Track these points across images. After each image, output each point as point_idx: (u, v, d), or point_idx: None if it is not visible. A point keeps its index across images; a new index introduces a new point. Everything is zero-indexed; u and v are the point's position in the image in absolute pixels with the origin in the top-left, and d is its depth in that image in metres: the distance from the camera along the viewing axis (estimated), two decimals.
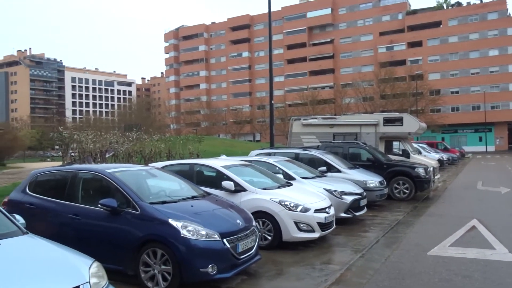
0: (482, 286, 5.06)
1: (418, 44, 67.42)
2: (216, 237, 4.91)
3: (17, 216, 4.02)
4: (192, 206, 5.47)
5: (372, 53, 71.28)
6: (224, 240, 4.95)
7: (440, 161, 25.14)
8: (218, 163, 8.08)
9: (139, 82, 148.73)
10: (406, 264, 6.00)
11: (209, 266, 4.76)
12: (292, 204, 6.91)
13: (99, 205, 5.15)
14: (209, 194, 6.28)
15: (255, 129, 77.83)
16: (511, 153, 50.25)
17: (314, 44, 77.78)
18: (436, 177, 15.20)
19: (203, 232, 4.87)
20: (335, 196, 8.70)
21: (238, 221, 5.41)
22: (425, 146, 28.09)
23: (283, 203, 6.89)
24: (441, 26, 66.63)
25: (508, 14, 64.12)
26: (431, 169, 13.60)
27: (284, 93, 75.12)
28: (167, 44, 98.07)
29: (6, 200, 6.25)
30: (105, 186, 5.56)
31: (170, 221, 4.88)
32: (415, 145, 25.32)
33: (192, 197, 5.87)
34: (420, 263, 6.02)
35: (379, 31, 71.18)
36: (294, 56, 78.85)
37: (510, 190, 14.30)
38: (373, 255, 6.55)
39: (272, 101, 16.84)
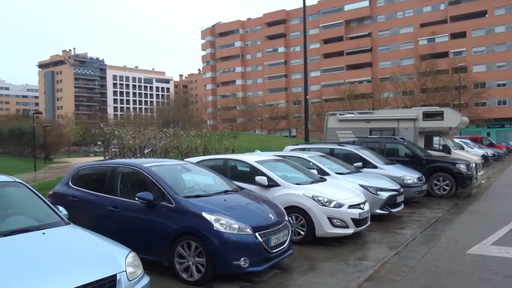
0: None
1: (462, 35, 64.53)
2: (248, 230, 4.98)
3: (60, 208, 4.25)
4: (225, 200, 5.56)
5: (412, 45, 68.97)
6: (256, 234, 5.01)
7: (484, 157, 24.10)
8: (252, 158, 8.14)
9: (177, 79, 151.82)
10: (443, 263, 5.83)
11: (242, 259, 4.83)
12: (325, 200, 6.87)
13: (136, 198, 5.34)
14: (242, 188, 6.36)
15: (291, 124, 77.45)
16: None
17: (351, 38, 76.26)
18: (479, 173, 14.60)
19: (236, 226, 4.94)
20: (370, 192, 8.56)
21: (271, 215, 5.45)
22: (468, 141, 27.05)
23: (316, 198, 6.87)
24: (486, 15, 63.43)
25: None
26: (474, 165, 13.08)
27: (320, 88, 74.24)
28: (203, 41, 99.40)
29: (51, 192, 6.61)
30: (142, 180, 5.76)
31: (204, 214, 4.99)
32: (457, 140, 24.42)
33: (225, 192, 5.96)
34: (458, 262, 5.83)
35: (419, 22, 68.72)
36: (331, 50, 77.68)
37: None
38: (409, 253, 6.41)
39: (307, 96, 16.72)
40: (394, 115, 16.26)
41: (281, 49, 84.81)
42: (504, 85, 60.72)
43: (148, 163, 6.02)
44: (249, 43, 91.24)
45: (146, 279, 3.55)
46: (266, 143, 31.38)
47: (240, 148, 17.82)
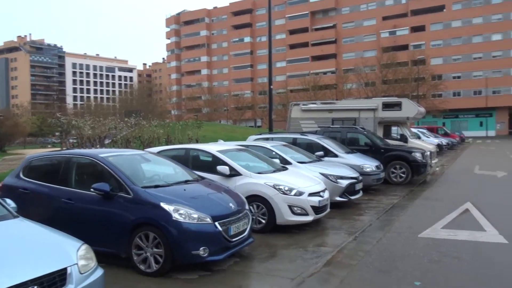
0: (470, 266, 5.14)
1: (421, 28, 66.62)
2: (208, 220, 4.98)
3: (8, 200, 4.08)
4: (184, 190, 5.53)
5: (375, 38, 70.53)
6: (216, 223, 5.02)
7: (439, 145, 25.17)
8: (214, 148, 8.12)
9: (140, 68, 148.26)
10: (397, 246, 6.08)
11: (201, 248, 4.83)
12: (286, 188, 6.96)
13: (91, 190, 5.21)
14: (203, 178, 6.34)
15: (257, 115, 77.65)
16: (510, 138, 50.15)
17: (316, 29, 77.00)
18: (433, 161, 15.25)
19: (195, 215, 4.93)
20: (331, 180, 8.75)
21: (231, 204, 5.47)
22: (425, 131, 28.05)
23: (277, 187, 6.95)
24: (444, 10, 65.71)
25: None
26: (428, 153, 13.64)
27: (286, 79, 74.73)
28: (168, 29, 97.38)
29: (0, 185, 6.32)
30: (98, 171, 5.61)
31: (162, 204, 4.94)
32: (415, 130, 25.32)
33: (186, 181, 5.92)
34: (411, 245, 6.10)
35: (382, 15, 70.30)
36: (296, 41, 78.16)
37: (507, 174, 14.34)
38: (366, 238, 6.62)
39: (272, 86, 16.79)
40: (355, 105, 16.64)
41: (247, 39, 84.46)
42: (459, 77, 63.39)
43: (105, 153, 5.87)
44: (215, 32, 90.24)
45: (99, 272, 3.48)
46: (231, 133, 31.33)
47: (205, 138, 17.70)
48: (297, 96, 60.87)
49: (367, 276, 4.88)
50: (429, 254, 5.62)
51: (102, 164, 5.53)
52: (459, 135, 39.72)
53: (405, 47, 65.67)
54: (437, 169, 16.92)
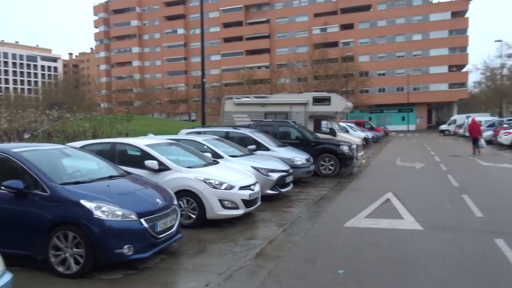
0: (388, 252, 5.46)
1: (350, 26, 69.70)
2: (133, 217, 4.79)
3: None
4: (108, 186, 5.27)
5: (307, 34, 72.56)
6: (142, 220, 4.84)
7: (365, 139, 26.60)
8: (142, 142, 7.84)
9: (66, 57, 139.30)
10: (324, 237, 6.30)
11: (125, 247, 4.64)
12: (216, 182, 6.91)
13: (2, 187, 4.77)
14: (129, 173, 6.09)
15: (191, 108, 76.54)
16: (430, 132, 54.41)
17: (250, 23, 77.45)
18: (359, 154, 16.05)
19: (119, 213, 4.72)
20: (262, 173, 8.85)
21: (158, 200, 5.31)
22: (352, 125, 29.46)
23: (207, 181, 6.88)
24: (371, 9, 69.30)
25: (430, 1, 68.19)
26: (355, 146, 14.32)
27: (220, 72, 74.45)
28: (96, 17, 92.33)
29: None
30: (11, 167, 5.14)
31: (82, 202, 4.66)
32: (343, 124, 26.47)
33: (110, 177, 5.65)
34: (336, 235, 6.36)
35: (313, 12, 72.48)
36: (231, 35, 78.04)
37: (424, 165, 15.53)
38: (294, 229, 6.79)
39: (204, 80, 16.60)
40: (287, 99, 16.98)
41: (180, 31, 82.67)
42: (384, 74, 67.41)
43: (19, 148, 5.40)
44: (147, 22, 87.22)
45: (8, 276, 3.19)
46: (163, 127, 30.57)
47: (135, 132, 17.10)
48: (232, 90, 60.91)
49: (294, 267, 5.00)
50: (352, 243, 5.90)
51: (15, 160, 5.08)
52: (383, 129, 42.27)
53: (335, 44, 68.33)
54: (363, 161, 17.85)
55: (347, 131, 23.61)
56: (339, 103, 16.08)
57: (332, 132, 15.98)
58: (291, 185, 9.82)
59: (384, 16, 67.64)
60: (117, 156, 7.60)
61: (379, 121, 60.81)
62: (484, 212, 7.54)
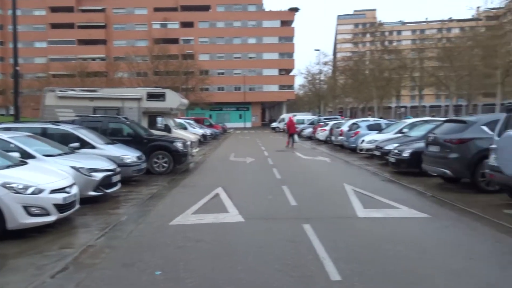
0: (209, 246, 5.52)
1: (190, 25, 70.35)
2: None
3: None
4: None
5: (147, 28, 70.39)
6: None
7: (204, 136, 27.18)
8: None
9: None
10: (147, 237, 6.04)
11: None
12: (20, 186, 5.96)
13: None
14: None
15: (9, 101, 66.07)
16: (263, 129, 59.01)
17: (83, 11, 71.12)
18: (194, 150, 16.22)
19: None
20: (83, 173, 8.06)
21: None
22: (192, 122, 29.82)
23: (8, 185, 5.87)
24: (210, 10, 71.25)
25: (263, 8, 73.85)
26: (189, 143, 14.38)
27: (48, 61, 66.38)
28: None
29: None
30: None
31: None
32: (182, 121, 26.50)
33: None
34: (160, 234, 6.16)
35: (153, 6, 70.73)
36: (60, 21, 70.20)
37: (254, 160, 16.62)
38: (116, 232, 6.34)
39: (18, 68, 14.39)
40: (118, 94, 16.02)
41: None
42: (223, 73, 70.24)
43: None
44: None
45: None
46: None
47: None
48: (61, 82, 54.82)
49: (108, 274, 4.61)
50: (175, 241, 5.79)
51: None
52: (222, 126, 43.98)
53: (175, 41, 67.99)
54: (200, 157, 18.12)
55: (185, 128, 23.68)
56: (174, 99, 15.92)
57: (167, 128, 15.74)
58: (119, 185, 9.22)
59: (223, 18, 70.42)
60: None
61: (218, 118, 63.06)
62: (298, 201, 8.37)
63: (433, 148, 10.21)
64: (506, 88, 34.81)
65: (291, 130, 24.26)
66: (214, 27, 70.31)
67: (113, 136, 12.56)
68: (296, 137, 24.20)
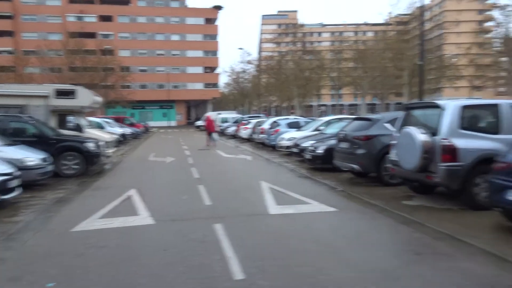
0: (113, 252, 5.24)
1: (109, 18, 67.04)
2: None
3: None
4: None
5: (61, 20, 65.64)
6: None
7: (123, 135, 26.06)
8: None
9: None
10: (44, 247, 5.57)
11: None
12: None
13: None
14: None
15: None
16: (188, 127, 58.15)
17: None
18: (110, 151, 15.45)
19: None
20: None
21: None
22: (110, 121, 28.41)
23: None
24: (130, 4, 68.48)
25: (186, 5, 72.71)
26: (103, 143, 13.65)
27: None
28: None
29: None
30: None
31: None
32: (99, 119, 25.17)
33: None
34: (60, 242, 5.73)
35: None
36: None
37: (174, 159, 16.27)
38: (9, 243, 5.77)
39: None
40: (22, 91, 14.70)
41: None
42: (145, 70, 67.96)
43: None
44: None
45: None
46: None
47: None
48: None
49: None
50: (75, 248, 5.41)
51: None
52: (144, 125, 42.54)
53: (93, 35, 64.34)
54: (117, 158, 17.30)
55: (101, 127, 22.54)
56: (86, 97, 15.00)
57: (79, 128, 14.79)
58: (20, 190, 8.44)
59: (144, 13, 68.11)
60: None
61: (141, 117, 60.97)
62: (213, 200, 8.31)
63: (344, 145, 10.76)
64: (412, 88, 37.88)
65: (210, 129, 24.15)
66: (135, 22, 67.71)
67: (15, 136, 11.46)
68: (216, 135, 24.17)
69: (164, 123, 66.07)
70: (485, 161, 6.87)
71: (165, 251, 5.22)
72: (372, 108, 67.24)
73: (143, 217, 6.95)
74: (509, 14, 27.68)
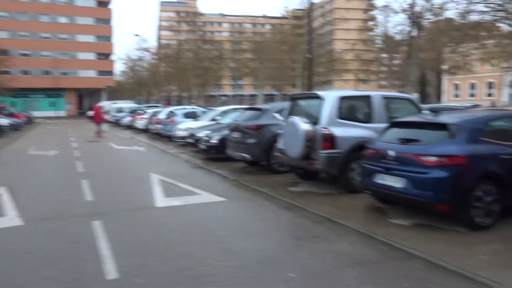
0: None
1: None
2: None
3: None
4: None
5: None
6: None
7: None
8: None
9: None
10: None
11: None
12: None
13: None
14: None
15: None
16: (79, 118, 53.97)
17: None
18: None
19: None
20: None
21: None
22: None
23: None
24: None
25: None
26: None
27: None
28: None
29: None
30: None
31: None
32: None
33: None
34: None
35: None
36: None
37: (58, 152, 14.93)
38: None
39: None
40: None
41: None
42: (28, 55, 61.17)
43: None
44: None
45: None
46: None
47: None
48: None
49: None
50: None
51: None
52: (26, 115, 38.45)
53: None
54: None
55: None
56: None
57: None
58: None
59: None
60: None
61: (25, 106, 54.84)
62: (96, 195, 7.77)
63: (236, 134, 10.86)
64: (305, 80, 39.93)
65: (98, 119, 23.18)
66: (14, 0, 60.32)
67: None
68: (105, 126, 23.03)
69: (52, 113, 60.31)
70: (360, 148, 7.46)
71: (29, 255, 4.70)
72: (270, 99, 69.52)
73: (10, 218, 6.21)
74: (388, 15, 30.58)
